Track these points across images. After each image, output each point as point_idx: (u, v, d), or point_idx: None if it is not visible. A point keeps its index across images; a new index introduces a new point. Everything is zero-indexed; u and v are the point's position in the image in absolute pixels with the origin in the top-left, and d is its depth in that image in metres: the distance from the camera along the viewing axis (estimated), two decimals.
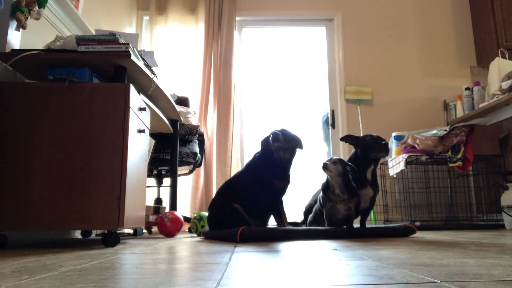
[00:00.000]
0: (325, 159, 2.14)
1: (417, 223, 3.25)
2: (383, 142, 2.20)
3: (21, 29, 1.83)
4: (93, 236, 2.52)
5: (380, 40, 4.05)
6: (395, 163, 3.20)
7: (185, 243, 1.84)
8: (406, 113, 3.90)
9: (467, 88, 3.64)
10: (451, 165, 2.97)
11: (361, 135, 2.39)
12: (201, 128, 3.56)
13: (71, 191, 1.59)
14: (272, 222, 2.23)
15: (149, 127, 2.17)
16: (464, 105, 3.65)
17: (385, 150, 2.19)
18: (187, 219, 2.89)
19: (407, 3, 4.13)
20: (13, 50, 1.74)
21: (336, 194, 2.10)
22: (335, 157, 2.16)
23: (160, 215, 2.61)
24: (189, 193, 3.59)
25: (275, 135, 2.12)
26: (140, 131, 1.88)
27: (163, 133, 2.85)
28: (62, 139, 1.63)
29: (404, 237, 1.98)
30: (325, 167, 2.08)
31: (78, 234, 2.45)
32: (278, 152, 2.15)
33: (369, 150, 2.21)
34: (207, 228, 2.22)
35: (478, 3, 3.92)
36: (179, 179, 3.01)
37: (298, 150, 2.22)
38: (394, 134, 3.39)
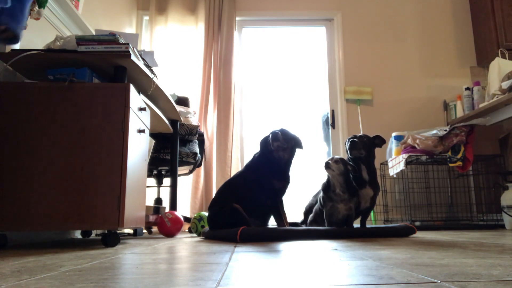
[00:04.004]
0: (325, 159, 2.14)
1: (417, 223, 3.26)
2: (350, 140, 2.24)
3: None
4: (93, 236, 2.52)
5: (380, 40, 4.05)
6: (395, 163, 3.20)
7: (185, 243, 1.84)
8: (406, 113, 3.90)
9: (467, 88, 3.64)
10: (451, 165, 2.97)
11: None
12: (201, 128, 3.56)
13: (71, 191, 1.59)
14: (272, 222, 2.23)
15: (149, 127, 2.17)
16: (464, 105, 3.65)
17: (355, 149, 2.22)
18: (187, 219, 2.89)
19: (407, 3, 4.13)
20: (13, 50, 1.74)
21: (336, 194, 2.10)
22: (336, 156, 2.16)
23: (160, 215, 2.60)
24: (189, 193, 3.59)
25: (274, 134, 2.12)
26: (140, 131, 1.88)
27: (163, 133, 2.85)
28: (62, 139, 1.63)
29: (404, 237, 1.98)
30: (327, 166, 2.08)
31: (78, 234, 2.45)
32: (278, 152, 2.14)
33: (347, 150, 2.29)
34: (207, 228, 2.22)
35: (478, 3, 3.92)
36: (179, 179, 3.01)
37: (298, 150, 2.22)
38: (394, 134, 3.39)
